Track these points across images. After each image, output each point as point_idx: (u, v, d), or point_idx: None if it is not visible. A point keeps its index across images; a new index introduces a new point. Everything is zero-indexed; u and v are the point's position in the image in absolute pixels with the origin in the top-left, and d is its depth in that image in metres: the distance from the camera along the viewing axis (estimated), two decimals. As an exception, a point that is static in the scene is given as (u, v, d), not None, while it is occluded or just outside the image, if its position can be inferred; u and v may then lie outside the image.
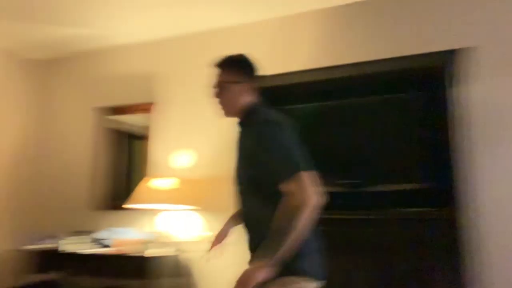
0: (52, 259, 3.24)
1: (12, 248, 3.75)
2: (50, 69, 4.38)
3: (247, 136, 1.71)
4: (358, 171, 2.82)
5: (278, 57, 3.32)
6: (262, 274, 1.41)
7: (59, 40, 3.97)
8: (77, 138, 4.06)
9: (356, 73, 2.84)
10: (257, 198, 1.64)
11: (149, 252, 3.02)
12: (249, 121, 1.71)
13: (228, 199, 3.23)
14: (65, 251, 3.17)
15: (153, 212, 3.42)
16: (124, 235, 3.29)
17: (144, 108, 3.78)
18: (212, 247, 1.97)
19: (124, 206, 3.34)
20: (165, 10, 3.37)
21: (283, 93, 2.95)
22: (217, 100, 1.79)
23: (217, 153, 3.45)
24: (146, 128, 3.77)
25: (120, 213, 3.60)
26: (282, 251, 1.41)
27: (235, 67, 1.78)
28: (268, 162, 1.57)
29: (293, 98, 2.98)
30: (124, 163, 3.91)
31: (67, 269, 3.28)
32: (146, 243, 3.08)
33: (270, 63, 3.27)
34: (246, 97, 1.75)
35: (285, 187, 1.49)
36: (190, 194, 3.30)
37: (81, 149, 4.00)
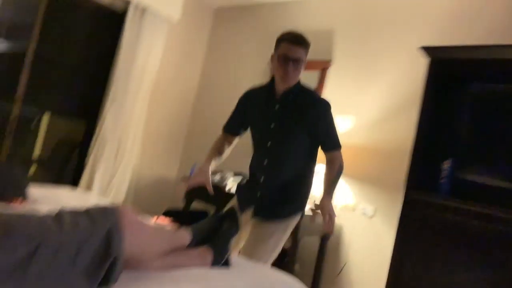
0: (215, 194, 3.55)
1: (181, 176, 4.29)
2: (231, 17, 4.63)
3: (305, 107, 2.06)
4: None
5: (465, 27, 2.95)
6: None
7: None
8: (246, 85, 4.28)
9: None
10: (294, 153, 2.11)
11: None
12: (302, 95, 2.09)
13: (370, 168, 3.23)
14: (230, 190, 3.40)
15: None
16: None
17: (315, 66, 3.76)
18: (188, 187, 2.24)
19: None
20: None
21: (472, 69, 2.61)
22: (289, 72, 2.00)
23: (375, 122, 3.34)
24: (310, 85, 3.77)
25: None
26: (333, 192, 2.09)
27: (309, 48, 2.05)
28: (325, 134, 2.11)
29: (480, 75, 2.62)
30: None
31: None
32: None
33: (453, 32, 3.03)
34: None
35: (333, 153, 2.12)
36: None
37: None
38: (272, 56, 2.08)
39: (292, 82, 2.05)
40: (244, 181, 2.39)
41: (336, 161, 2.11)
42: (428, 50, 2.63)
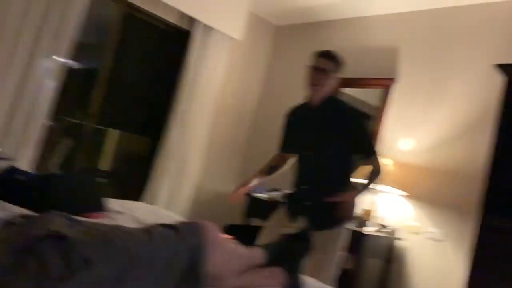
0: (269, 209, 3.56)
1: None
2: (293, 34, 4.68)
3: (338, 116, 2.17)
4: None
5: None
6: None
7: (306, 8, 4.19)
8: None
9: None
10: (332, 163, 2.18)
11: (367, 230, 3.05)
12: (335, 106, 2.20)
13: (436, 190, 3.11)
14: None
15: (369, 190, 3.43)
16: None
17: (379, 83, 3.70)
18: (235, 195, 2.48)
19: (351, 179, 3.40)
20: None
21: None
22: (315, 80, 2.16)
23: (442, 142, 3.24)
24: (371, 104, 3.71)
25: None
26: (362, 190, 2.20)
27: (338, 63, 2.19)
28: (359, 141, 2.17)
29: None
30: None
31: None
32: (361, 219, 3.12)
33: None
34: (333, 87, 2.21)
35: (370, 160, 2.19)
36: (398, 178, 3.24)
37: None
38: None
39: (319, 90, 2.18)
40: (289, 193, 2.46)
41: (374, 168, 2.19)
42: (504, 68, 2.51)
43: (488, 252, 2.33)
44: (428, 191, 3.22)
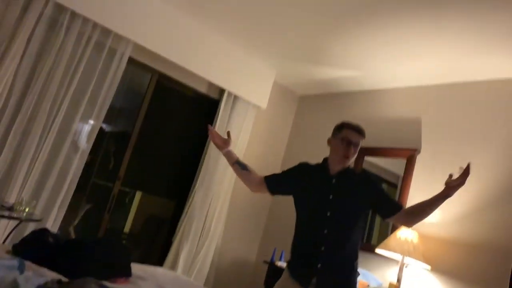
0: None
1: (259, 260, 4.28)
2: (316, 104, 4.83)
3: (359, 181, 2.25)
4: None
5: None
6: None
7: (329, 80, 4.36)
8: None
9: None
10: (352, 225, 2.17)
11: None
12: (352, 174, 2.27)
13: (462, 264, 3.01)
14: None
15: (394, 262, 3.35)
16: (367, 279, 3.31)
17: (402, 153, 3.74)
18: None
19: (376, 250, 3.36)
20: (435, 57, 3.34)
21: None
22: (350, 153, 2.21)
23: (461, 215, 3.21)
24: (394, 173, 3.72)
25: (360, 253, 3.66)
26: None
27: (364, 137, 2.26)
28: (385, 199, 2.21)
29: None
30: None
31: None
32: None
33: None
34: None
35: (396, 216, 2.15)
36: (423, 251, 3.19)
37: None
38: (329, 140, 2.35)
39: (349, 163, 2.26)
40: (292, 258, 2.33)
41: (405, 215, 2.18)
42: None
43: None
44: (454, 265, 3.13)
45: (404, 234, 3.22)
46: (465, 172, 2.00)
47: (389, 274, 3.45)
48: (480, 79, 3.45)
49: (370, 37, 3.30)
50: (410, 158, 3.66)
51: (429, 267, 3.17)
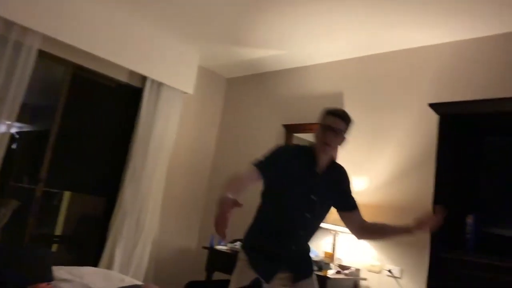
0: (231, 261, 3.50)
1: (200, 246, 4.25)
2: (243, 85, 4.83)
3: (337, 176, 2.21)
4: None
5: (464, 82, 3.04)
6: None
7: (255, 61, 4.36)
8: (261, 149, 4.34)
9: None
10: (319, 223, 2.21)
11: (331, 273, 3.05)
12: (335, 165, 2.22)
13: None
14: None
15: (329, 232, 3.46)
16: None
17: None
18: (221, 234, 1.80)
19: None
20: (351, 31, 3.43)
21: (483, 122, 2.64)
22: (330, 140, 2.06)
23: (391, 180, 3.37)
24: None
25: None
26: None
27: (350, 125, 2.13)
28: (351, 194, 2.25)
29: (497, 128, 2.64)
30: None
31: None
32: (322, 262, 3.12)
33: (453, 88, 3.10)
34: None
35: (348, 214, 2.24)
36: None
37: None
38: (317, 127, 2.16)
39: (329, 153, 2.12)
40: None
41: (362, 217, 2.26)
42: (436, 106, 2.68)
43: (439, 283, 2.38)
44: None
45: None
46: (434, 219, 2.07)
47: (324, 244, 3.56)
48: (396, 49, 3.60)
49: (290, 15, 3.32)
50: (336, 131, 3.77)
51: (360, 233, 3.30)
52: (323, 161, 2.10)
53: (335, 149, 2.17)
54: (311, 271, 2.21)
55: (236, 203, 1.74)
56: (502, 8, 2.81)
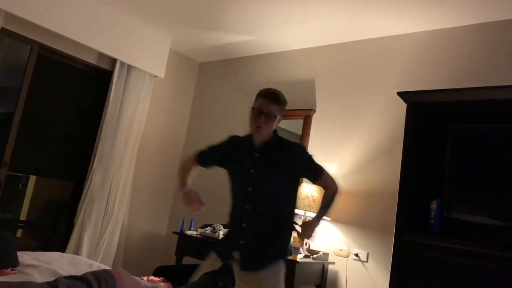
0: (205, 247, 3.51)
1: (170, 231, 4.24)
2: (216, 70, 4.78)
3: (282, 153, 2.15)
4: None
5: (431, 72, 3.12)
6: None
7: (228, 46, 4.32)
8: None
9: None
10: (274, 198, 2.13)
11: (300, 257, 3.10)
12: (279, 144, 2.18)
13: (358, 212, 3.27)
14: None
15: (299, 217, 3.51)
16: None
17: (299, 114, 3.86)
18: (192, 207, 2.19)
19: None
20: (323, 18, 3.44)
21: (449, 111, 2.73)
22: (261, 124, 2.10)
23: (361, 166, 3.43)
24: (296, 133, 3.86)
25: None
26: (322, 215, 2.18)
27: (283, 105, 2.16)
28: (307, 169, 2.18)
29: (462, 117, 2.73)
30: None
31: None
32: (292, 247, 3.16)
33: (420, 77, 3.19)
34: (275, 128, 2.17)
35: (322, 180, 2.18)
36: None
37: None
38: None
39: (263, 134, 2.14)
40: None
41: (328, 186, 2.20)
42: (404, 95, 2.74)
43: (404, 266, 2.46)
44: (351, 214, 3.37)
45: (305, 190, 3.38)
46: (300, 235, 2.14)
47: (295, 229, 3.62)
48: (368, 38, 3.64)
49: (264, 0, 3.29)
50: (307, 118, 3.81)
51: (329, 218, 3.37)
52: (258, 141, 2.16)
53: (269, 131, 2.15)
54: (267, 263, 2.07)
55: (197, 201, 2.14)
56: (471, 0, 2.87)
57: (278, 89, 3.81)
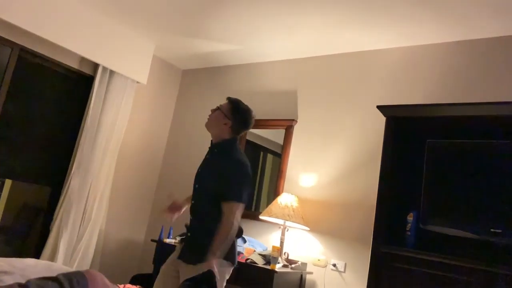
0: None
1: (148, 239, 4.20)
2: (199, 78, 4.79)
3: (222, 159, 2.28)
4: (505, 220, 2.51)
5: (408, 87, 3.23)
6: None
7: (211, 54, 4.34)
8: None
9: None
10: (207, 201, 2.23)
11: (278, 267, 3.11)
12: (225, 149, 2.31)
13: (337, 223, 3.32)
14: None
15: (278, 226, 3.52)
16: (253, 245, 3.45)
17: (281, 124, 3.90)
18: (167, 213, 2.48)
19: (260, 217, 3.49)
20: (305, 31, 3.49)
21: (427, 125, 2.80)
22: (207, 123, 2.37)
23: (340, 177, 3.48)
24: (278, 143, 3.89)
25: (246, 222, 3.80)
26: (218, 252, 2.07)
27: (235, 106, 2.34)
28: (225, 183, 2.17)
29: (434, 131, 2.80)
30: (256, 175, 4.09)
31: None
32: (270, 256, 3.18)
33: (398, 91, 3.27)
34: (228, 133, 2.32)
35: (226, 204, 2.15)
36: (303, 213, 3.39)
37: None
38: None
39: (210, 129, 2.38)
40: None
41: (225, 215, 2.13)
42: (383, 108, 2.81)
43: (380, 277, 2.50)
44: (330, 224, 3.41)
45: (285, 200, 3.41)
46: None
47: (273, 238, 3.64)
48: (349, 51, 3.71)
49: (247, 11, 3.33)
50: (289, 128, 3.85)
51: (308, 228, 3.40)
52: (214, 140, 2.38)
53: (216, 129, 2.34)
54: (196, 260, 2.12)
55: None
56: (448, 18, 2.97)
57: (261, 98, 3.96)
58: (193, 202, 2.33)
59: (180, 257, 2.27)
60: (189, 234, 2.33)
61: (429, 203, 2.67)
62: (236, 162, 2.26)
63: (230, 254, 2.21)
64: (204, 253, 2.06)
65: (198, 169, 2.40)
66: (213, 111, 2.38)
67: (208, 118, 2.38)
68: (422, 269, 2.39)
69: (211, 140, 2.40)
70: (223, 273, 2.18)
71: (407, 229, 2.63)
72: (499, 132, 2.56)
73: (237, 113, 2.33)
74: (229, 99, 2.39)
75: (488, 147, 2.60)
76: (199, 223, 2.28)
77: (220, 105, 2.37)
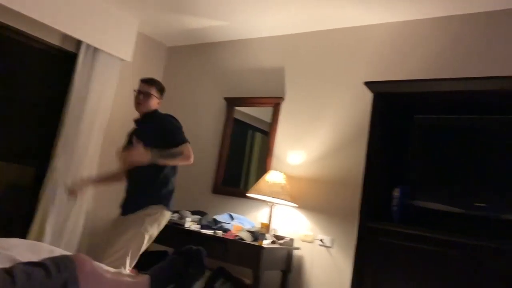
0: (173, 233, 3.48)
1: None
2: (185, 55, 4.71)
3: (152, 125, 2.80)
4: (488, 195, 2.55)
5: (398, 63, 3.21)
6: (145, 157, 2.54)
7: (198, 30, 4.25)
8: (205, 125, 4.30)
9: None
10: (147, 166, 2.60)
11: (266, 243, 3.13)
12: (150, 118, 2.85)
13: (324, 199, 3.34)
14: (189, 228, 3.43)
15: (266, 204, 3.54)
16: (241, 222, 3.46)
17: (268, 102, 3.87)
18: (72, 193, 3.00)
19: (248, 194, 3.50)
20: (294, 6, 3.44)
21: (414, 101, 2.79)
22: (138, 100, 2.85)
23: (327, 154, 3.48)
24: (265, 121, 3.87)
25: (235, 199, 3.81)
26: (161, 160, 2.63)
27: (158, 87, 2.92)
28: (168, 134, 2.71)
29: (426, 107, 2.80)
30: (245, 153, 4.08)
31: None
32: (258, 233, 3.19)
33: (389, 68, 3.25)
34: (154, 106, 2.91)
35: (180, 147, 2.65)
36: (290, 191, 3.41)
37: (208, 135, 4.22)
38: None
39: (142, 109, 2.86)
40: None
41: (183, 153, 2.64)
42: (370, 84, 2.79)
43: (367, 252, 2.53)
44: (317, 201, 3.43)
45: (273, 177, 3.41)
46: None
47: (261, 215, 3.65)
48: (337, 27, 3.67)
49: (231, -16, 3.25)
50: (276, 106, 3.82)
51: (296, 205, 3.42)
52: (140, 114, 2.89)
53: (146, 107, 2.85)
54: (134, 209, 2.69)
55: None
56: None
57: (249, 76, 4.05)
58: (129, 171, 2.76)
59: (122, 214, 2.77)
60: (125, 194, 2.82)
61: (415, 179, 2.70)
62: (166, 116, 2.83)
63: (165, 200, 2.73)
64: (142, 202, 2.68)
65: (127, 139, 2.93)
66: (144, 96, 2.84)
67: (139, 104, 2.87)
68: (409, 243, 2.42)
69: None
70: (156, 215, 2.68)
71: (393, 204, 2.66)
72: (485, 107, 2.56)
73: (159, 89, 2.94)
74: (148, 82, 2.91)
75: (474, 122, 2.62)
76: (136, 185, 2.77)
77: (143, 90, 2.86)
